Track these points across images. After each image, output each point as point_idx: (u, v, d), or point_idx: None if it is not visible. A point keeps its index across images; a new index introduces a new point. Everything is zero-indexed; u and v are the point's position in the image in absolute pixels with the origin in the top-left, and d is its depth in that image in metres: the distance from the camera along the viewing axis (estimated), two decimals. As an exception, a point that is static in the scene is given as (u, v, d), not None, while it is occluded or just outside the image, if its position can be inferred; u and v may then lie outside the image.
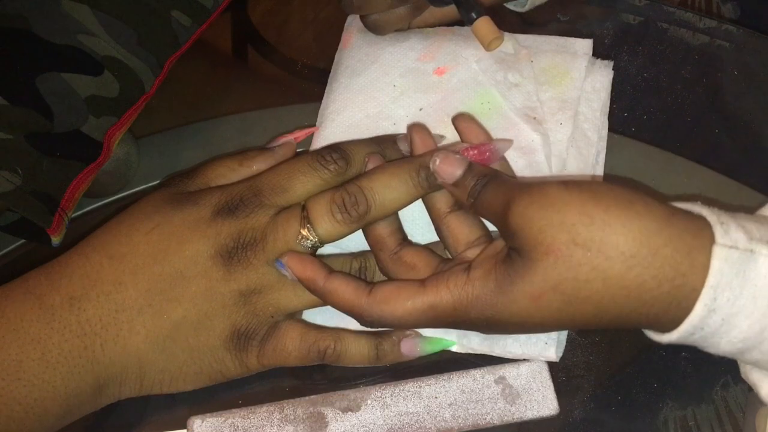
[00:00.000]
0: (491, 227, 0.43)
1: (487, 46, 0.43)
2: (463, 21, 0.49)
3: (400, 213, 0.43)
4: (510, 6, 0.55)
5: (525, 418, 0.41)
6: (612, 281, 0.34)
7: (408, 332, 0.43)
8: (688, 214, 0.36)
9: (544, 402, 0.41)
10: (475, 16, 0.44)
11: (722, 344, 0.35)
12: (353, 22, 0.55)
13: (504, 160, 0.44)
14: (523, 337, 0.42)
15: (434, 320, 0.38)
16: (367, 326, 0.40)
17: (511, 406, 0.41)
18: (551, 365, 0.42)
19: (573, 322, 0.36)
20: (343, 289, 0.39)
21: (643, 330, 0.38)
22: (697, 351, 0.37)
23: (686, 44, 0.60)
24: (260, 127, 0.55)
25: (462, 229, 0.42)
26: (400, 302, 0.38)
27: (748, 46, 0.59)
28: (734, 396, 0.43)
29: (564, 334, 0.43)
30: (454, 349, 0.43)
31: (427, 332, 0.43)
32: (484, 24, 0.44)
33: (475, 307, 0.37)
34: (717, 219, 0.35)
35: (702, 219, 0.35)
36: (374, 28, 0.52)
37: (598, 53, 0.52)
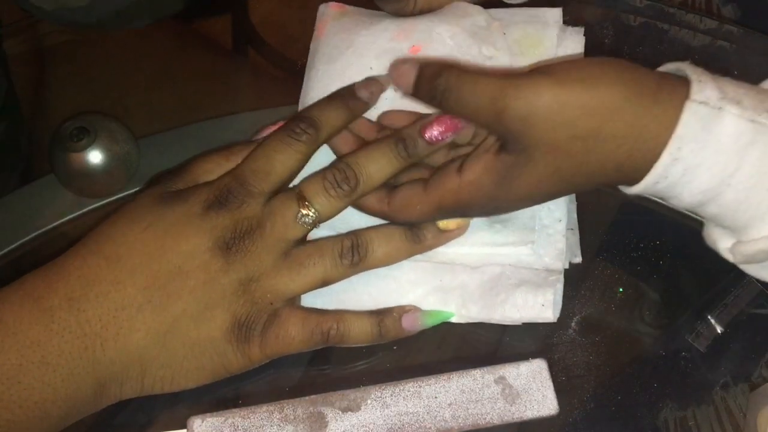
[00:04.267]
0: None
1: None
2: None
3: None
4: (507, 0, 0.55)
5: (525, 418, 0.41)
6: (602, 134, 0.38)
7: (408, 307, 0.44)
8: (673, 75, 0.39)
9: (544, 402, 0.41)
10: None
11: (684, 195, 0.38)
12: (326, 10, 0.55)
13: None
14: (520, 301, 0.44)
15: (446, 214, 0.44)
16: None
17: (511, 406, 0.41)
18: (551, 365, 0.42)
19: (563, 180, 0.40)
20: (370, 202, 0.45)
21: (618, 186, 0.41)
22: (697, 351, 0.37)
23: (686, 45, 0.60)
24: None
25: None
26: (412, 209, 0.43)
27: (748, 47, 0.59)
28: (734, 396, 0.43)
29: (560, 295, 0.44)
30: (454, 320, 0.45)
31: (426, 305, 0.45)
32: None
33: (475, 200, 0.42)
34: (697, 78, 0.37)
35: (684, 78, 0.38)
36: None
37: (598, 53, 0.51)
